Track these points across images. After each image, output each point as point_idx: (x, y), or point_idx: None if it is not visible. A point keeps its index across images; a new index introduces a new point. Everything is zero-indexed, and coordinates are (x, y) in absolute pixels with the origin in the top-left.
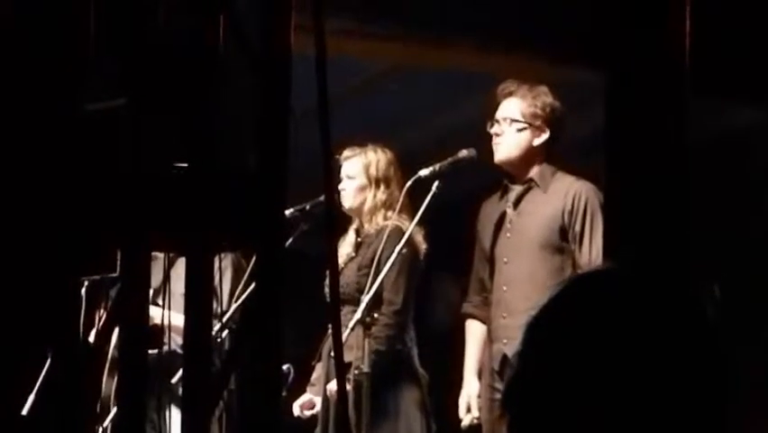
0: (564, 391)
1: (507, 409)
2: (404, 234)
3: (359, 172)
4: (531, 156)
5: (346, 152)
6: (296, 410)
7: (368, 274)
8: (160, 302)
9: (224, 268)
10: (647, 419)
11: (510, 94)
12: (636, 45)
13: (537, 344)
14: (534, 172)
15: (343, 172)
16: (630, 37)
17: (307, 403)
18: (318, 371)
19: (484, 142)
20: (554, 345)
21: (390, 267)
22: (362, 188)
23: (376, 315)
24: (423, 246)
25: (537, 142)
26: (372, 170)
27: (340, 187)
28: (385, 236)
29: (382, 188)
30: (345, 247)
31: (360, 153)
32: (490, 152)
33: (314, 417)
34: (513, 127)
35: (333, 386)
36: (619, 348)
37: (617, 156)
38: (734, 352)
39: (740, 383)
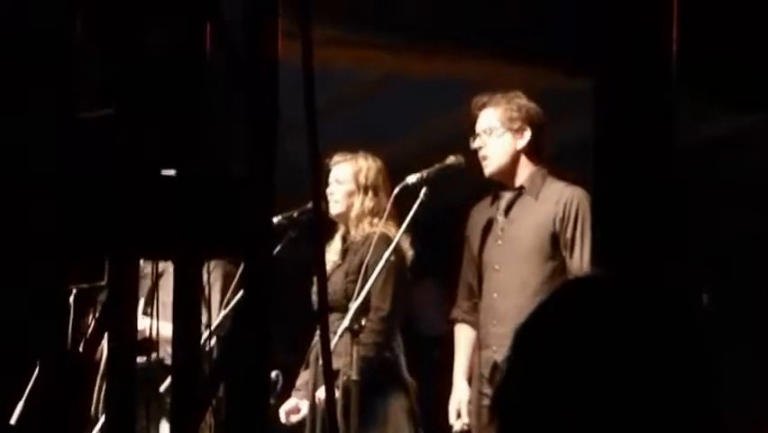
0: (553, 397)
1: (495, 415)
2: (391, 241)
3: (348, 178)
4: (517, 160)
5: (336, 158)
6: (282, 416)
7: (355, 281)
8: (149, 312)
9: (214, 276)
10: (634, 425)
11: (484, 105)
12: (624, 50)
13: (526, 349)
14: (524, 178)
15: (332, 177)
16: (618, 42)
17: (293, 409)
18: (304, 376)
19: (472, 149)
20: (543, 351)
21: (378, 274)
22: (350, 194)
23: (363, 322)
24: (410, 253)
25: (521, 144)
26: (362, 178)
27: (328, 191)
28: (372, 244)
29: (370, 195)
30: (331, 254)
31: (350, 159)
32: (478, 159)
33: (300, 423)
34: (493, 136)
35: (321, 393)
36: (607, 354)
37: (606, 161)
38: (720, 357)
39: (727, 388)
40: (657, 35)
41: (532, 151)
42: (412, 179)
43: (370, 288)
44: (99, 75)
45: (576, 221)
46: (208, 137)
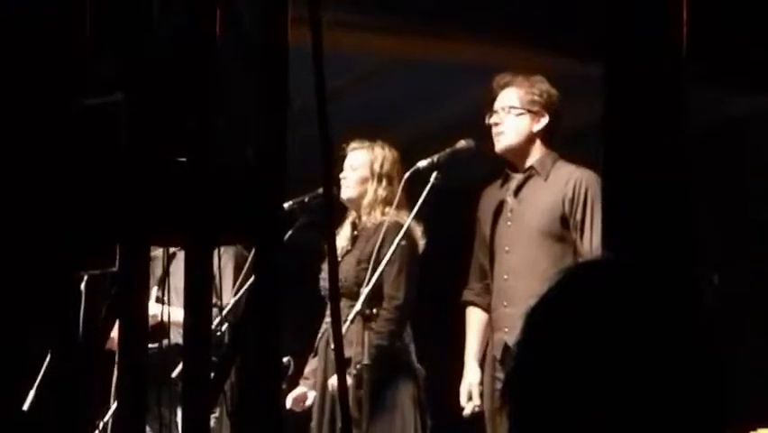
0: (563, 381)
1: (507, 400)
2: (402, 228)
3: (363, 165)
4: (531, 142)
5: (354, 144)
6: (289, 403)
7: (367, 269)
8: (160, 296)
9: (225, 261)
10: (645, 409)
11: (507, 84)
12: (635, 34)
13: (536, 333)
14: (535, 160)
15: (347, 162)
16: (628, 26)
17: (301, 396)
18: (312, 364)
19: (483, 133)
20: (553, 335)
21: (391, 262)
22: (364, 180)
23: (376, 310)
24: (422, 242)
25: (537, 127)
26: (376, 166)
27: (341, 176)
28: (384, 231)
29: (384, 183)
30: (341, 240)
31: (367, 147)
32: (489, 143)
33: (307, 410)
34: (512, 114)
35: (334, 381)
36: (617, 338)
37: (616, 146)
38: (731, 341)
39: (737, 373)
40: (667, 17)
41: (546, 135)
42: (423, 163)
43: (384, 276)
44: (110, 61)
45: (585, 203)
46: (219, 123)
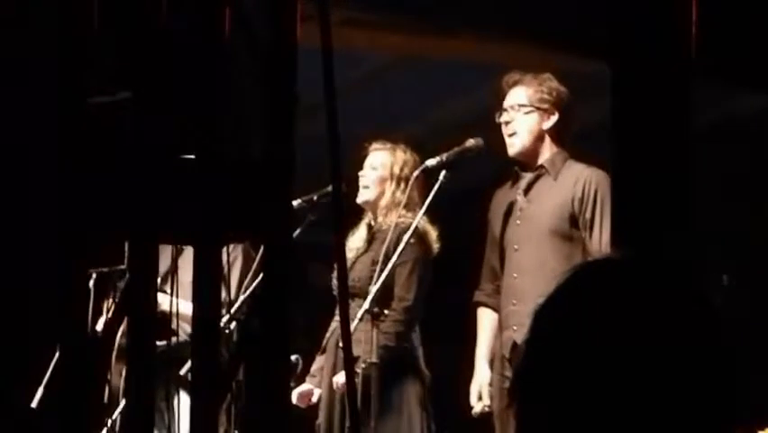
0: (571, 380)
1: (514, 398)
2: (419, 232)
3: (383, 165)
4: (541, 140)
5: (376, 144)
6: (294, 398)
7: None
8: (167, 290)
9: (234, 258)
10: (653, 408)
11: (516, 83)
12: (642, 32)
13: (544, 331)
14: (545, 159)
15: (368, 162)
16: (636, 24)
17: (307, 392)
18: (319, 362)
19: (491, 132)
20: (561, 333)
21: (403, 263)
22: (382, 181)
23: (386, 311)
24: (436, 245)
25: (547, 125)
26: (396, 168)
27: (360, 174)
28: (398, 233)
29: (402, 186)
30: (355, 241)
31: (389, 149)
32: (498, 142)
33: (314, 407)
34: (521, 112)
35: (339, 378)
36: (625, 336)
37: (624, 144)
38: (739, 341)
39: (745, 372)
40: (675, 15)
41: (556, 133)
42: (431, 162)
43: (394, 277)
44: (118, 58)
45: (595, 202)
46: (227, 120)
